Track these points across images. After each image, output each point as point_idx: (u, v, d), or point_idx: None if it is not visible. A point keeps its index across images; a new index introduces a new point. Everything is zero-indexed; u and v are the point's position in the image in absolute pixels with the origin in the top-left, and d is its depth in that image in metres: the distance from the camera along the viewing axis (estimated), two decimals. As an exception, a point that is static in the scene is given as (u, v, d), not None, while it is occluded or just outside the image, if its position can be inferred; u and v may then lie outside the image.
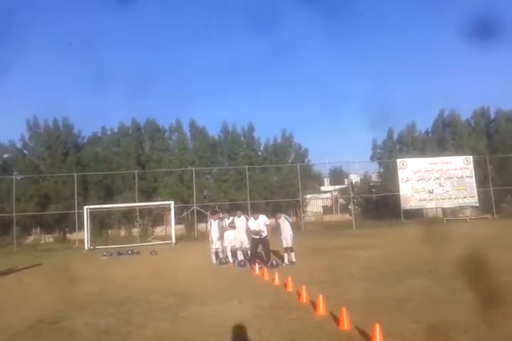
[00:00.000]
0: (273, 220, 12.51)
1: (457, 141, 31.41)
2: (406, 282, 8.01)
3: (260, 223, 11.55)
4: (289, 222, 11.99)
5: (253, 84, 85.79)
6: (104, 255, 17.19)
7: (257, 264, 10.96)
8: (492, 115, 33.28)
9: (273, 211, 22.70)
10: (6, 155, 29.38)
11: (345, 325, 5.27)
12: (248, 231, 11.83)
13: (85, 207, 21.90)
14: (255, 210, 12.26)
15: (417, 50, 76.28)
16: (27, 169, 27.80)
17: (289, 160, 31.16)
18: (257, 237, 11.52)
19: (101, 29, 74.62)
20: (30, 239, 26.62)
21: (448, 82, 78.00)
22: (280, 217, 11.96)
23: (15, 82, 64.41)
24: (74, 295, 8.61)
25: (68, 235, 26.72)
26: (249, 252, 12.12)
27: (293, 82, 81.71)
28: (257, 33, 78.83)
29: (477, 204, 27.20)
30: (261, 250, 11.74)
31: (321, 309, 6.04)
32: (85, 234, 21.29)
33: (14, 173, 27.93)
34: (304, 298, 6.91)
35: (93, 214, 23.13)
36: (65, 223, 26.75)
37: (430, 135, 33.41)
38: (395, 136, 32.90)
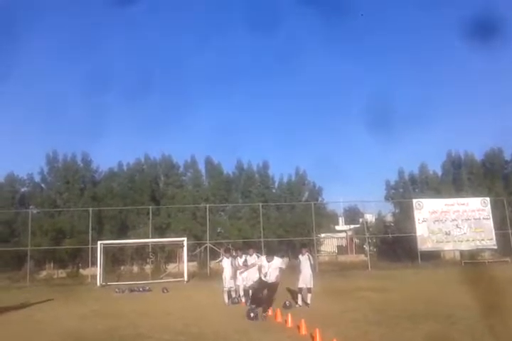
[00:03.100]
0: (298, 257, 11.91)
1: (473, 181, 31.15)
2: (422, 326, 7.80)
3: (272, 266, 10.25)
4: (310, 261, 11.60)
5: (269, 123, 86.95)
6: (116, 291, 17.07)
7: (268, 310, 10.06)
8: (506, 156, 33.07)
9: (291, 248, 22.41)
10: (23, 189, 29.95)
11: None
12: (258, 269, 10.53)
13: (99, 242, 21.96)
14: (270, 251, 11.26)
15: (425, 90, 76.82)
16: (44, 203, 28.19)
17: (303, 199, 31.12)
18: (266, 280, 10.29)
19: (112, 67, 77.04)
20: (43, 274, 26.56)
21: (455, 123, 77.38)
22: (304, 254, 11.60)
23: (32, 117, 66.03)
24: (84, 332, 8.54)
25: (81, 270, 26.64)
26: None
27: (306, 121, 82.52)
28: (284, 74, 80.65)
29: (495, 247, 26.58)
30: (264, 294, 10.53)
31: (335, 353, 5.91)
32: (98, 270, 21.23)
33: (30, 207, 28.35)
34: (318, 341, 6.77)
35: (106, 250, 23.13)
36: (78, 258, 26.79)
37: (441, 175, 33.24)
38: (406, 176, 32.84)
